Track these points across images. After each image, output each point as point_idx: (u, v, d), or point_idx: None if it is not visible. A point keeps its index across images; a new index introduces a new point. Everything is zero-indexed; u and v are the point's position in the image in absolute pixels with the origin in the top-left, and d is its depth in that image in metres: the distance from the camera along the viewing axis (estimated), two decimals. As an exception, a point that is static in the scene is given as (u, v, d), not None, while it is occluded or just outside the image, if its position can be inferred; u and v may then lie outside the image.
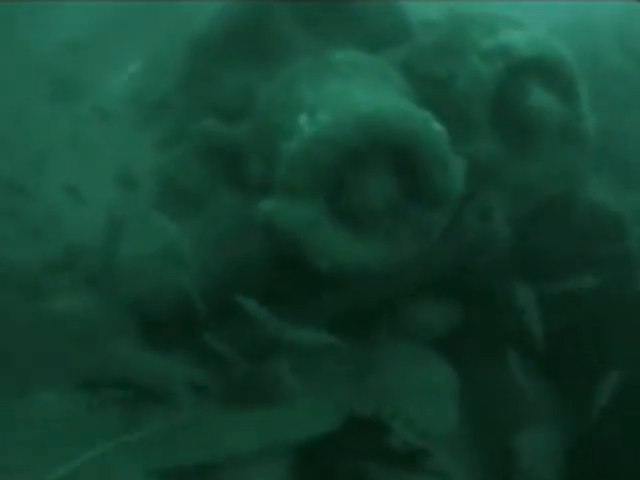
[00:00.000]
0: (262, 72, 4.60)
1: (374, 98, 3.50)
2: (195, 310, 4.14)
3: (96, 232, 4.78)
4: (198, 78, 4.63)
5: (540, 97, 3.72)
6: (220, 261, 4.33)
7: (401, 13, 4.68)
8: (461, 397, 4.39)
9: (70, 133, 5.27)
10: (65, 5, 6.09)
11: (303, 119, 3.53)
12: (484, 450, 4.52)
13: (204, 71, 4.61)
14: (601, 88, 6.36)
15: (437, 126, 3.45)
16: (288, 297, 4.03)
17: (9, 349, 3.89)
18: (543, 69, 3.80)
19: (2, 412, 3.51)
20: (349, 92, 3.60)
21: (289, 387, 4.10)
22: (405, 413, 4.07)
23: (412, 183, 3.55)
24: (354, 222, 3.57)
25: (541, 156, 3.87)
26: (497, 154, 3.82)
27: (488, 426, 4.52)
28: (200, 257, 4.31)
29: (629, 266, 4.38)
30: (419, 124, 3.39)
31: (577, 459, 4.32)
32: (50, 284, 4.49)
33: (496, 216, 4.24)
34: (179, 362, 4.25)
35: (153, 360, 4.28)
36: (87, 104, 5.51)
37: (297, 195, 3.47)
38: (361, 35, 4.64)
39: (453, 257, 4.33)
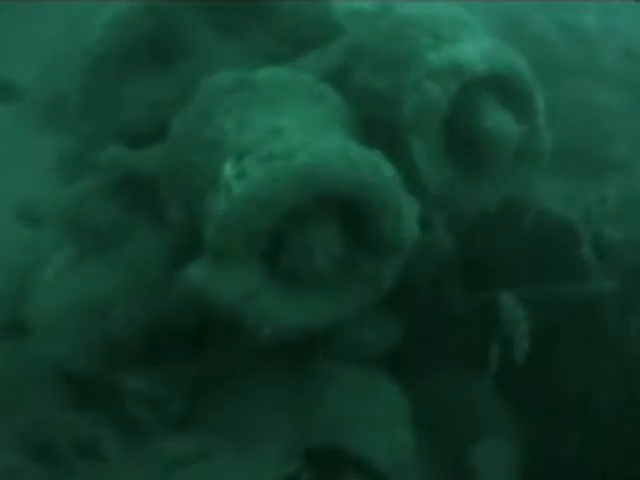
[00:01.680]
0: (170, 85, 3.84)
1: (310, 139, 2.87)
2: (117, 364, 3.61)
3: (-3, 276, 4.08)
4: (96, 94, 3.84)
5: (495, 117, 3.14)
6: (144, 310, 3.73)
7: (327, 7, 3.98)
8: (414, 417, 4.07)
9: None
10: None
11: (229, 169, 2.85)
12: (441, 469, 4.27)
13: (103, 86, 3.82)
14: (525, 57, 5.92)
15: (388, 171, 2.82)
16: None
17: None
18: (498, 85, 3.21)
19: None
20: (280, 129, 2.94)
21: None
22: (358, 446, 3.71)
23: (360, 234, 3.02)
24: (296, 281, 3.04)
25: (493, 176, 3.40)
26: (446, 178, 3.32)
27: (444, 444, 4.24)
28: (121, 306, 3.69)
29: (581, 273, 4.07)
30: (368, 171, 2.76)
31: (534, 475, 4.14)
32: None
33: (438, 225, 3.78)
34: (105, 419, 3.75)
35: (78, 420, 3.75)
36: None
37: (229, 261, 2.88)
38: (281, 33, 3.93)
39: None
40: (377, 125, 3.38)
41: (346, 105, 3.35)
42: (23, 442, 3.61)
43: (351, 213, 2.92)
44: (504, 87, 3.24)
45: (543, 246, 4.03)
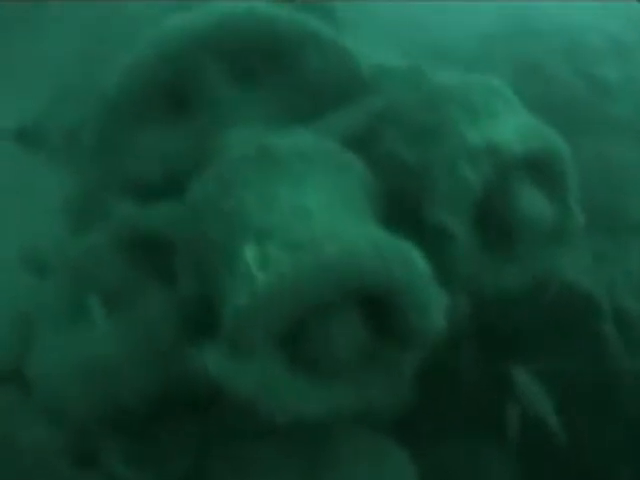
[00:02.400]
0: (185, 136, 3.61)
1: (338, 226, 2.66)
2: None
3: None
4: (109, 142, 3.61)
5: (529, 199, 2.94)
6: (152, 373, 3.53)
7: (354, 63, 3.76)
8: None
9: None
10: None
11: (250, 254, 2.67)
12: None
13: (116, 134, 3.59)
14: (550, 108, 5.70)
15: (420, 265, 2.61)
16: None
17: None
18: (534, 165, 3.01)
19: None
20: (304, 210, 2.75)
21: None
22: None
23: (383, 322, 2.85)
24: (315, 369, 2.85)
25: (520, 256, 3.22)
26: (473, 258, 3.14)
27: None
28: (128, 368, 3.49)
29: (601, 346, 3.91)
30: (399, 266, 2.54)
31: None
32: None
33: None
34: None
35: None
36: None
37: (247, 352, 2.69)
38: (305, 87, 3.71)
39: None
40: (402, 196, 3.22)
41: (371, 175, 3.20)
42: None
43: (375, 301, 2.76)
44: (540, 168, 3.06)
45: (562, 318, 3.87)
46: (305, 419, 2.76)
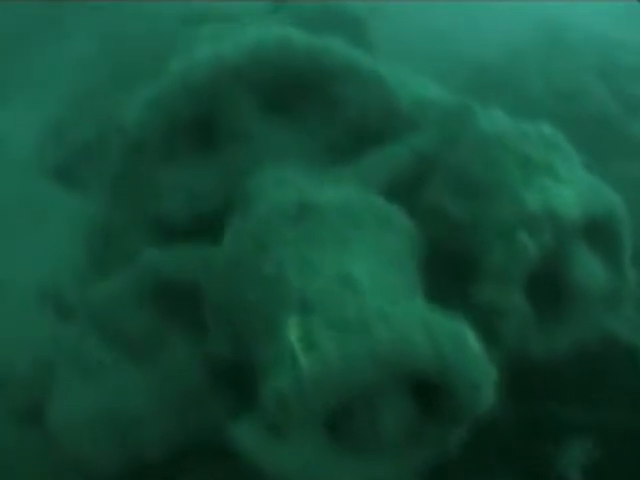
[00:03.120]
0: (213, 173, 3.32)
1: (387, 303, 2.35)
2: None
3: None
4: (131, 180, 3.34)
5: (585, 266, 2.71)
6: (176, 425, 3.33)
7: (395, 97, 3.47)
8: None
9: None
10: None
11: (294, 330, 2.42)
12: None
13: (138, 172, 3.32)
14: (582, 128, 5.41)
15: (473, 345, 2.34)
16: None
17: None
18: (592, 229, 2.77)
19: None
20: (350, 281, 2.46)
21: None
22: None
23: (432, 401, 2.64)
24: (357, 445, 2.65)
25: (569, 321, 3.00)
26: (521, 325, 2.91)
27: None
28: (152, 419, 3.29)
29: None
30: (452, 349, 2.27)
31: None
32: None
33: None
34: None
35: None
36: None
37: (287, 433, 2.49)
38: (341, 122, 3.41)
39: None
40: (448, 255, 2.98)
41: (417, 230, 2.97)
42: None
43: (425, 388, 2.48)
44: (595, 228, 2.84)
45: (602, 367, 3.67)
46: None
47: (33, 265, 3.60)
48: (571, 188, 2.66)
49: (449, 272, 2.89)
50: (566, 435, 3.48)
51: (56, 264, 3.48)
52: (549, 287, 2.83)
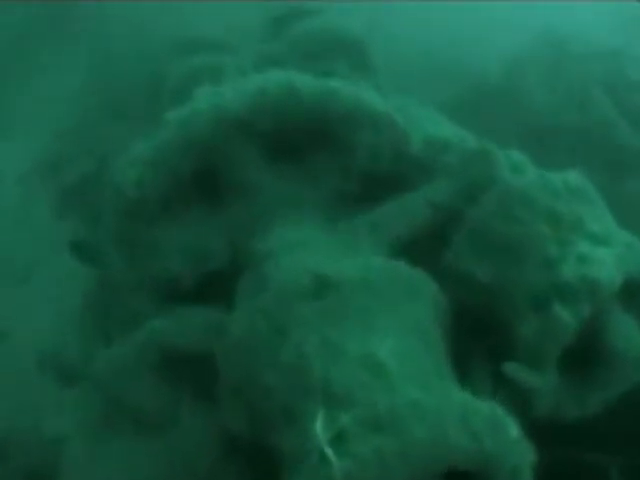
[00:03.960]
0: (217, 230, 3.06)
1: (418, 385, 2.09)
2: None
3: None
4: (131, 242, 3.08)
5: (624, 334, 2.47)
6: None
7: (407, 140, 3.21)
8: None
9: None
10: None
11: (321, 426, 2.20)
12: None
13: (138, 233, 3.06)
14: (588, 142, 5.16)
15: (512, 431, 2.08)
16: None
17: None
18: (628, 292, 2.52)
19: None
20: (378, 366, 2.20)
21: None
22: None
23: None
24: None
25: (604, 385, 2.78)
26: (553, 395, 2.70)
27: None
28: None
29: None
30: (491, 440, 2.01)
31: None
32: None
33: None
34: None
35: None
36: None
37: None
38: (352, 169, 3.16)
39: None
40: (475, 315, 2.77)
41: (440, 293, 2.73)
42: None
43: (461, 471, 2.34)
44: (631, 289, 2.62)
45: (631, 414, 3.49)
46: None
47: (33, 322, 3.36)
48: (606, 248, 2.42)
49: (476, 336, 2.68)
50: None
51: (57, 322, 3.25)
52: (582, 349, 2.65)
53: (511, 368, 2.32)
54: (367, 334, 2.34)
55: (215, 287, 3.05)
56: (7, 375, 3.32)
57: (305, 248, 2.73)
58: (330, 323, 2.35)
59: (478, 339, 2.60)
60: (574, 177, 2.67)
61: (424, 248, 2.85)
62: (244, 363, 2.45)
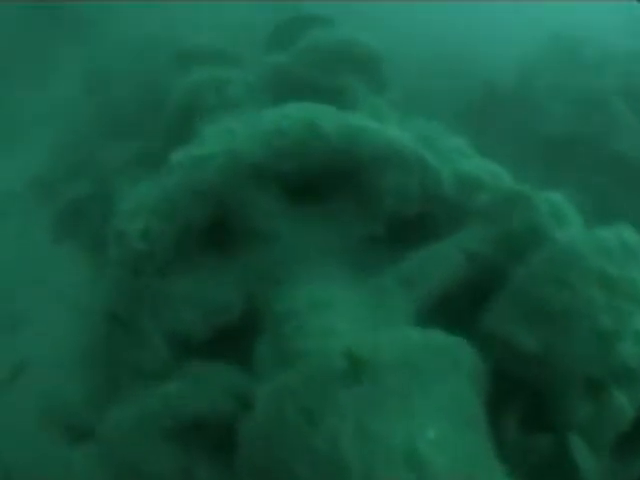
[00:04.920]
0: (231, 280, 2.67)
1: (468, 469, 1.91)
2: None
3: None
4: (140, 298, 2.74)
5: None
6: None
7: (438, 180, 2.88)
8: None
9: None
10: None
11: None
12: None
13: (147, 288, 2.70)
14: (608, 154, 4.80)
15: None
16: None
17: None
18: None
19: None
20: (419, 459, 1.87)
21: None
22: None
23: None
24: None
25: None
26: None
27: None
28: None
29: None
30: None
31: None
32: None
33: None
34: None
35: None
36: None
37: None
38: (377, 212, 2.81)
39: None
40: (518, 382, 2.49)
41: (480, 361, 2.45)
42: None
43: None
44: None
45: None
46: None
47: (36, 369, 3.03)
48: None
49: (513, 401, 2.42)
50: None
51: (61, 370, 2.92)
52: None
53: (574, 444, 2.06)
54: (407, 421, 2.04)
55: (229, 340, 2.77)
56: (10, 426, 3.01)
57: (332, 311, 2.42)
58: (366, 409, 2.06)
59: (515, 404, 2.35)
60: (629, 234, 2.38)
61: (459, 302, 2.58)
62: (270, 449, 2.15)
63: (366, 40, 3.93)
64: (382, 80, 3.97)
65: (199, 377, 2.64)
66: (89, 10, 4.47)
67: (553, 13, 5.10)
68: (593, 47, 5.04)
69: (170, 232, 2.50)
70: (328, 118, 2.59)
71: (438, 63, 4.76)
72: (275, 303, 2.54)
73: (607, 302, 2.22)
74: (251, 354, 2.65)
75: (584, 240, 2.33)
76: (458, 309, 2.54)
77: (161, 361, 2.70)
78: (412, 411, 2.07)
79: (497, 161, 4.82)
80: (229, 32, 4.16)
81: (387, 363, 2.11)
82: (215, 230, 2.66)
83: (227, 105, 3.81)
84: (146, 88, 4.07)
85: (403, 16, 4.61)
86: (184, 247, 2.60)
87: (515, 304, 2.33)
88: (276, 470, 2.12)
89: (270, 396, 2.16)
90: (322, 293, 2.50)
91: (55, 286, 3.79)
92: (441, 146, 3.03)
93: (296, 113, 2.58)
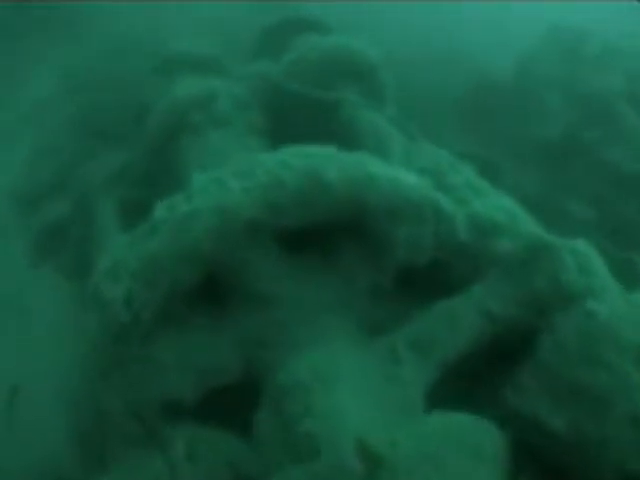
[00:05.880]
0: (227, 342, 2.30)
1: None
2: None
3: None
4: (125, 367, 2.35)
5: None
6: None
7: (450, 229, 2.52)
8: None
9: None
10: None
11: None
12: None
13: (133, 357, 2.33)
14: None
15: None
16: None
17: None
18: None
19: None
20: None
21: None
22: None
23: None
24: None
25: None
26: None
27: None
28: None
29: None
30: None
31: None
32: None
33: None
34: None
35: None
36: None
37: None
38: (387, 264, 2.49)
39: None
40: (546, 463, 2.21)
41: (504, 443, 2.16)
42: None
43: None
44: None
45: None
46: None
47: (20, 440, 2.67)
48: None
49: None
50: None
51: (48, 443, 2.57)
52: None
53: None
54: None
55: (221, 399, 2.46)
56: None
57: (339, 385, 2.11)
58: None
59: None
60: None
61: (478, 367, 2.29)
62: None
63: (362, 47, 3.52)
64: (380, 91, 3.59)
65: (194, 448, 2.37)
66: (71, 9, 3.98)
67: (553, 10, 4.69)
68: (594, 41, 4.67)
69: (155, 299, 2.15)
70: (332, 166, 2.21)
71: (433, 57, 4.36)
72: (276, 372, 2.25)
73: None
74: (245, 415, 2.37)
75: (618, 309, 2.05)
76: (476, 378, 2.28)
77: (150, 429, 2.42)
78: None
79: (494, 160, 4.50)
80: (216, 36, 3.71)
81: (405, 460, 1.83)
82: (206, 291, 2.33)
83: (213, 122, 3.42)
84: (128, 93, 3.64)
85: (399, 10, 4.19)
86: (171, 311, 2.26)
87: (542, 379, 2.03)
88: None
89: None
90: (327, 362, 2.18)
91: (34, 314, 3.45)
92: (452, 181, 2.69)
93: (295, 161, 2.20)
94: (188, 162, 3.19)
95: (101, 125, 3.77)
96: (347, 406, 2.06)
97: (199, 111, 3.25)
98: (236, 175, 2.17)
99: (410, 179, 2.31)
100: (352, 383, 2.12)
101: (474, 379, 2.33)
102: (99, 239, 3.31)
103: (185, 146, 3.28)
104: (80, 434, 2.47)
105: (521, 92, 4.79)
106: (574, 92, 4.62)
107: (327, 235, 2.34)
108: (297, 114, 3.44)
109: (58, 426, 2.74)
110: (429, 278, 2.50)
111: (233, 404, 2.42)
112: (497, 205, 2.57)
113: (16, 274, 3.56)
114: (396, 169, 2.33)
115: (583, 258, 2.30)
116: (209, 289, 2.33)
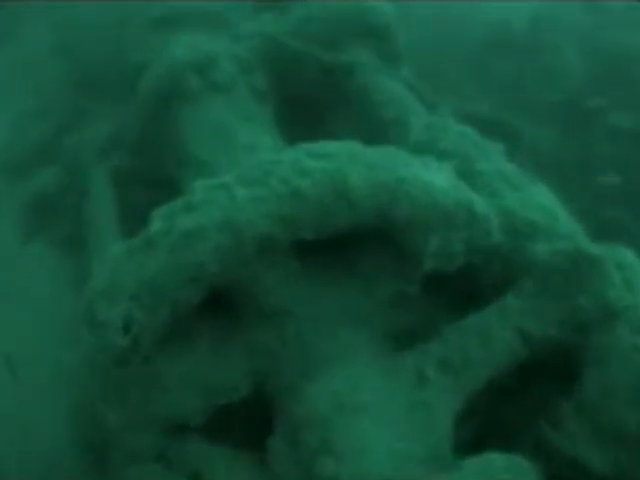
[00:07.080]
0: (236, 361, 1.97)
1: None
2: None
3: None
4: (127, 388, 2.03)
5: None
6: None
7: (486, 237, 2.10)
8: None
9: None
10: None
11: None
12: None
13: (135, 379, 2.00)
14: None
15: None
16: None
17: None
18: None
19: None
20: None
21: None
22: None
23: None
24: None
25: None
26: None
27: None
28: None
29: None
30: None
31: None
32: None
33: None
34: None
35: None
36: None
37: None
38: (416, 282, 2.07)
39: None
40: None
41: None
42: None
43: None
44: None
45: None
46: None
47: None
48: None
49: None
50: None
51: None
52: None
53: None
54: None
55: (233, 420, 2.19)
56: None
57: (363, 417, 1.84)
58: None
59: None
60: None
61: (509, 385, 2.02)
62: None
63: (377, 3, 2.99)
64: (396, 53, 3.11)
65: (201, 467, 2.12)
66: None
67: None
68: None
69: (156, 322, 1.84)
70: (356, 169, 1.82)
71: (447, 12, 3.81)
72: (291, 396, 1.97)
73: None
74: (256, 430, 2.12)
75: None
76: (506, 385, 2.01)
77: (155, 446, 2.16)
78: None
79: (511, 122, 4.03)
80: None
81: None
82: (213, 306, 2.00)
83: (213, 88, 2.94)
84: (125, 50, 3.13)
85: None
86: (175, 329, 1.95)
87: (585, 419, 1.78)
88: None
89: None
90: (348, 388, 1.89)
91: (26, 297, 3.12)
92: (480, 168, 2.30)
93: (313, 164, 1.81)
94: (186, 137, 2.76)
95: (95, 85, 3.28)
96: (370, 441, 1.80)
97: (197, 75, 2.78)
98: (244, 182, 1.79)
99: (444, 181, 1.92)
100: (375, 411, 1.85)
101: (505, 398, 2.09)
102: (92, 219, 2.93)
103: (183, 117, 2.83)
104: (81, 443, 2.24)
105: (539, 44, 4.28)
106: (593, 46, 4.12)
107: (346, 241, 2.01)
108: (305, 78, 2.98)
109: (55, 412, 2.50)
110: (457, 283, 2.20)
111: (243, 419, 2.18)
112: (534, 202, 2.22)
113: (5, 249, 3.20)
114: (428, 166, 1.95)
115: (630, 272, 1.99)
116: (214, 308, 2.02)
